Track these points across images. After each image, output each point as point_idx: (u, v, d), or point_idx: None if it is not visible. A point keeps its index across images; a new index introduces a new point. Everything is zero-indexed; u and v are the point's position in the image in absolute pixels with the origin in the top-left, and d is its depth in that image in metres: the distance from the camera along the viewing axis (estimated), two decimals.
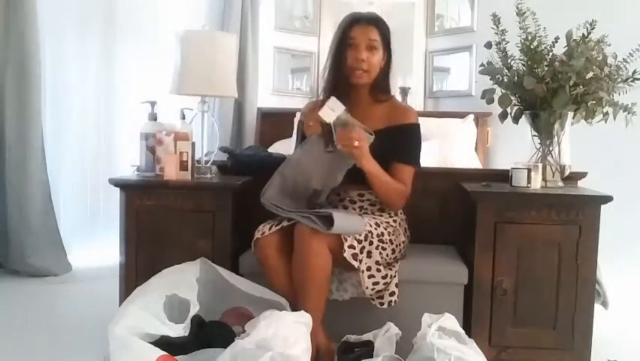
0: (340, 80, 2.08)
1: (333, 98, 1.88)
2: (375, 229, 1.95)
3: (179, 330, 1.69)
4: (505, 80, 2.29)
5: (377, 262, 1.91)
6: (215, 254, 2.10)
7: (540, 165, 2.18)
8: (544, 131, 2.25)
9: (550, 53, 2.23)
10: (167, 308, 1.74)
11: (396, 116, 2.11)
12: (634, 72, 2.20)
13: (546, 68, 2.21)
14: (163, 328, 1.67)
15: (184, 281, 1.82)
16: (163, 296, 1.75)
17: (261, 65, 4.24)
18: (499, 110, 2.35)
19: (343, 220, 1.84)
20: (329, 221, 1.80)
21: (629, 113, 2.20)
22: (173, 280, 1.83)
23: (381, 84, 2.13)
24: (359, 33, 2.04)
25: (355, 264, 1.85)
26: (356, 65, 2.04)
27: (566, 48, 2.20)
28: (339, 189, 2.07)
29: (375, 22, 2.08)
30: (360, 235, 1.89)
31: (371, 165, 1.93)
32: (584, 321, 2.01)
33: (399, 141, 2.07)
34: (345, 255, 1.83)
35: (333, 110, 1.86)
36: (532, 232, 2.01)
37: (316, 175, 1.96)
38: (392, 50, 2.11)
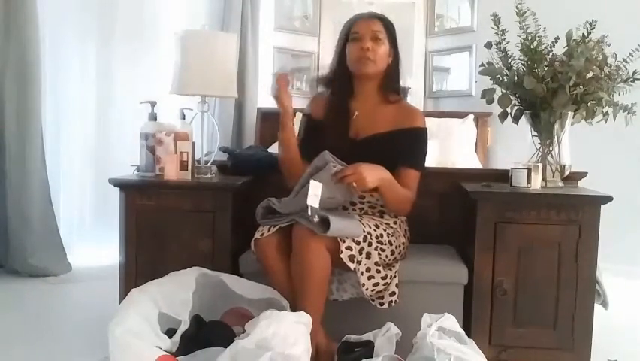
0: (344, 74, 2.11)
1: (313, 183, 1.82)
2: (375, 230, 1.94)
3: (168, 345, 1.69)
4: (505, 80, 2.29)
5: (376, 263, 1.90)
6: (215, 254, 2.11)
7: (540, 165, 2.18)
8: (544, 131, 2.25)
9: (551, 53, 2.23)
10: (162, 320, 1.74)
11: (404, 119, 2.09)
12: (634, 72, 2.20)
13: (546, 68, 2.20)
14: (156, 340, 1.67)
15: (180, 295, 1.80)
16: (157, 310, 1.74)
17: (261, 65, 4.24)
18: (499, 110, 2.35)
19: (340, 224, 1.83)
20: (326, 224, 1.79)
21: (629, 113, 2.20)
22: (170, 291, 1.80)
23: (390, 84, 2.13)
24: (362, 26, 2.07)
25: (352, 266, 1.83)
26: (361, 53, 2.04)
27: (566, 48, 2.20)
28: None
29: (378, 17, 2.13)
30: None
31: (377, 181, 1.89)
32: (584, 321, 2.01)
33: (406, 145, 2.06)
34: (341, 256, 1.82)
35: (317, 195, 1.81)
36: (532, 232, 2.01)
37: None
38: (398, 48, 2.13)
